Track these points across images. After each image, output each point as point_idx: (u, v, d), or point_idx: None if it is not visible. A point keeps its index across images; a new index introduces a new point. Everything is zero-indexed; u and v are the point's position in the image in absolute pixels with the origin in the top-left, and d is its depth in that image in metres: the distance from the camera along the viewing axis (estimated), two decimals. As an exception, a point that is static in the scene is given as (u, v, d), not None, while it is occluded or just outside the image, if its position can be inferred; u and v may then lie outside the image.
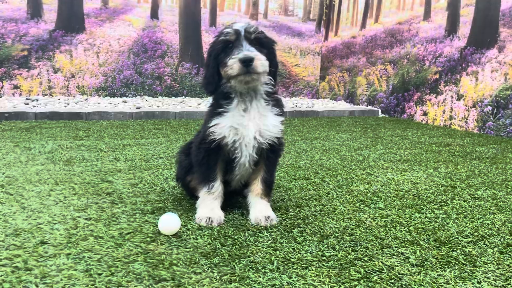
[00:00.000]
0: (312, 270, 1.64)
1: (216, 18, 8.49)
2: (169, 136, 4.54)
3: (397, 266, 1.70)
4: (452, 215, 2.31)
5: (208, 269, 1.63)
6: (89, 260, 1.65)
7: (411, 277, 1.61)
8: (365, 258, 1.76)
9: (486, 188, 2.84)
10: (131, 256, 1.71)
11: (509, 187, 2.89)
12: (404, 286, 1.54)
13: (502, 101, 5.22)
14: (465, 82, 5.77)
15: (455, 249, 1.86)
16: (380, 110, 7.34)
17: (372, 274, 1.63)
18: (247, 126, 2.06)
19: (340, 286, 1.54)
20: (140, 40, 7.97)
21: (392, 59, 7.22)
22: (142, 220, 2.09)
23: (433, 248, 1.87)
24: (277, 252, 1.79)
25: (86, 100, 7.03)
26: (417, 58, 6.66)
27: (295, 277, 1.58)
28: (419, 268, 1.69)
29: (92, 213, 2.16)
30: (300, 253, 1.78)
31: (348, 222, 2.16)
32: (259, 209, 2.16)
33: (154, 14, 8.06)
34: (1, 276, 1.51)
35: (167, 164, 3.31)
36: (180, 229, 1.96)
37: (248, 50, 1.94)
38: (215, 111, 2.12)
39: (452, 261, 1.75)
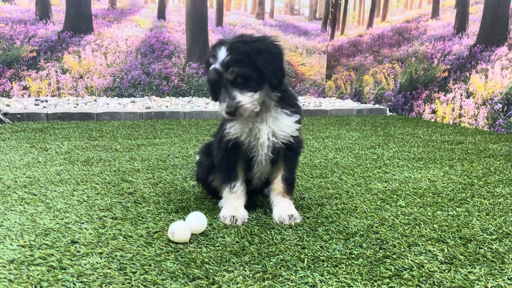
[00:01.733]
0: (343, 268, 1.66)
1: (222, 18, 8.51)
2: (181, 136, 4.55)
3: (427, 263, 1.71)
4: (474, 212, 2.32)
5: (239, 267, 1.64)
6: (122, 258, 1.67)
7: (441, 274, 1.62)
8: (394, 256, 1.77)
9: (504, 186, 2.84)
10: (162, 254, 1.72)
11: (527, 184, 2.89)
12: (436, 284, 1.55)
13: (512, 98, 5.21)
14: (475, 80, 5.77)
15: (481, 247, 1.87)
16: (388, 109, 7.34)
17: (402, 271, 1.64)
18: (260, 128, 2.09)
19: (373, 283, 1.55)
20: (147, 40, 7.99)
21: (399, 58, 7.22)
22: (168, 219, 2.10)
23: (460, 246, 1.88)
24: (306, 250, 1.80)
25: (95, 100, 7.05)
26: (425, 56, 6.65)
27: (326, 275, 1.60)
28: (449, 265, 1.70)
29: (118, 213, 2.18)
30: (328, 251, 1.79)
31: (372, 220, 2.18)
32: (282, 207, 2.17)
33: (161, 15, 8.08)
34: (38, 275, 1.52)
35: (183, 163, 3.32)
36: (206, 227, 1.98)
37: (229, 98, 1.92)
38: None
39: (480, 258, 1.76)
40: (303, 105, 7.45)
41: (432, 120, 6.42)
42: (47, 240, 1.82)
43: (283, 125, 2.11)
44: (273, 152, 2.14)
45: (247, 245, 1.84)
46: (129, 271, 1.57)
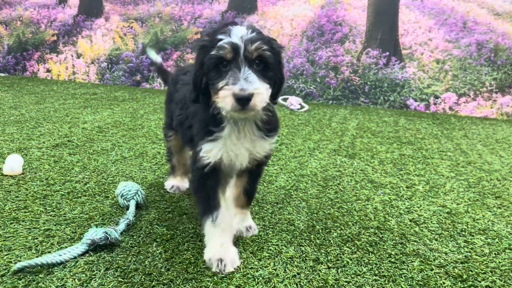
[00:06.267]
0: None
1: None
2: None
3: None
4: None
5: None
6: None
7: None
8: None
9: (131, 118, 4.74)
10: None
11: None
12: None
13: (114, 58, 7.15)
14: (82, 44, 7.29)
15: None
16: (-1, 70, 7.69)
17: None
18: (239, 153, 1.79)
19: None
20: None
21: (2, 20, 7.61)
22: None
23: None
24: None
25: None
26: (32, 21, 7.47)
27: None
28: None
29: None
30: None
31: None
32: (241, 218, 2.06)
33: None
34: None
35: None
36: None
37: (246, 80, 1.51)
38: (205, 135, 1.78)
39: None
40: None
41: (49, 78, 7.49)
42: None
43: (260, 147, 1.83)
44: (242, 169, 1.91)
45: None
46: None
